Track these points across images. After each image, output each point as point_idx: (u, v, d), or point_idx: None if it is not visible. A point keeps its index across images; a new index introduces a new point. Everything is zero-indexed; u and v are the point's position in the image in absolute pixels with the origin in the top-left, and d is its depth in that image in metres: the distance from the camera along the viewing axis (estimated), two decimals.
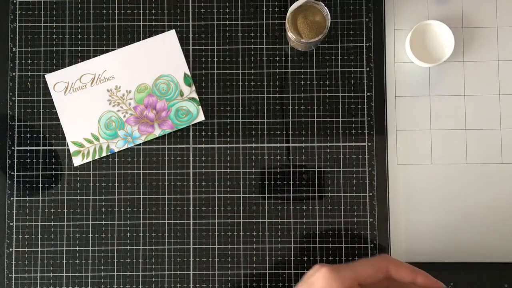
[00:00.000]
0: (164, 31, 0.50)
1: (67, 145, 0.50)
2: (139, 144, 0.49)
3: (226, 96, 0.50)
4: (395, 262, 0.37)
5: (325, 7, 0.45)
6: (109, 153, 0.49)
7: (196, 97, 0.49)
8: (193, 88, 0.49)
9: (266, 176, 0.49)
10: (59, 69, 0.50)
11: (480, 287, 0.48)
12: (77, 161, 0.49)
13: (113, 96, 0.48)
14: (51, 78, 0.49)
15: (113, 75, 0.49)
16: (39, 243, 0.49)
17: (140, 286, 0.49)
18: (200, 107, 0.49)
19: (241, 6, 0.50)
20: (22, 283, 0.49)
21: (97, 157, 0.48)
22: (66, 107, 0.49)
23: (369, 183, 0.49)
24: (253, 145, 0.50)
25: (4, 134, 0.50)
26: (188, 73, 0.49)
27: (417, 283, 0.36)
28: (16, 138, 0.50)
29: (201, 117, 0.49)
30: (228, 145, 0.50)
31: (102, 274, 0.49)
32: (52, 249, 0.49)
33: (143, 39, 0.50)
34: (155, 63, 0.49)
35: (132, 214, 0.49)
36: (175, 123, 0.49)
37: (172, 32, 0.49)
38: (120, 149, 0.49)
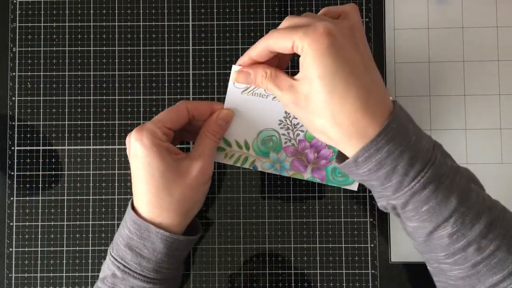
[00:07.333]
0: (164, 31, 0.50)
1: (67, 145, 0.50)
2: None
3: None
4: (191, 102, 0.44)
5: None
6: (251, 168, 0.46)
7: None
8: None
9: (266, 176, 0.49)
10: (59, 69, 0.50)
11: None
12: (218, 157, 0.46)
13: (287, 120, 0.45)
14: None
15: None
16: (39, 243, 0.49)
17: None
18: None
19: (241, 6, 0.50)
20: (22, 283, 0.49)
21: (238, 164, 0.46)
22: (236, 104, 0.45)
23: None
24: None
25: (4, 134, 0.50)
26: None
27: (216, 109, 0.43)
28: (16, 138, 0.50)
29: (354, 187, 0.46)
30: None
31: None
32: (52, 249, 0.49)
33: (142, 39, 0.50)
34: None
35: None
36: (327, 177, 0.46)
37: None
38: (264, 171, 0.46)
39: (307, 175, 0.46)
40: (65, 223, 0.49)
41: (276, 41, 0.37)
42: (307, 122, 0.38)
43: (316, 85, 0.35)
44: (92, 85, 0.50)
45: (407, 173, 0.35)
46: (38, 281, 0.49)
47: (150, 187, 0.40)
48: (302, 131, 0.45)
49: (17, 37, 0.50)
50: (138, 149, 0.40)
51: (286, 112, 0.44)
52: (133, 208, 0.42)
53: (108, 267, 0.41)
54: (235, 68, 0.42)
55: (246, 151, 0.45)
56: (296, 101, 0.37)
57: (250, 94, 0.43)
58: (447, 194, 0.35)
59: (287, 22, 0.38)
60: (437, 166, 0.35)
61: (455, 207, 0.35)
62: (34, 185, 0.50)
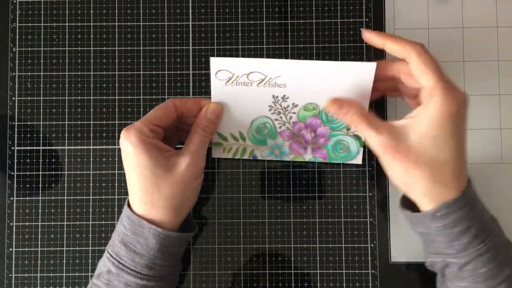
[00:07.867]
0: (164, 31, 0.50)
1: (67, 145, 0.50)
2: None
3: None
4: (179, 99, 0.44)
5: None
6: (251, 158, 0.46)
7: (362, 136, 0.46)
8: None
9: (266, 176, 0.49)
10: (59, 69, 0.50)
11: None
12: (216, 153, 0.46)
13: (276, 105, 0.44)
14: (216, 63, 0.43)
15: (285, 84, 0.44)
16: (39, 243, 0.49)
17: None
18: (362, 148, 0.46)
19: (241, 6, 0.50)
20: (22, 283, 0.49)
21: (238, 156, 0.46)
22: (223, 97, 0.44)
23: (369, 183, 0.49)
24: None
25: (4, 134, 0.50)
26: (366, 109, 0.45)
27: (203, 105, 0.44)
28: (16, 138, 0.50)
29: (358, 160, 0.46)
30: None
31: None
32: (52, 249, 0.49)
33: (142, 39, 0.50)
34: (337, 88, 0.44)
35: None
36: (329, 155, 0.46)
37: (373, 65, 0.42)
38: (264, 159, 0.46)
39: (308, 156, 0.45)
40: (65, 223, 0.49)
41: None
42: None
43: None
44: (92, 85, 0.50)
45: (478, 235, 0.38)
46: (38, 281, 0.49)
47: (140, 184, 0.40)
48: (294, 113, 0.45)
49: (17, 37, 0.50)
50: (127, 147, 0.40)
51: (274, 97, 0.44)
52: (128, 205, 0.42)
53: (104, 264, 0.42)
54: (213, 59, 0.43)
55: (242, 142, 0.45)
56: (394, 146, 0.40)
57: (234, 84, 0.43)
58: (503, 262, 0.38)
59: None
60: (497, 236, 0.39)
61: (509, 273, 0.38)
62: (34, 185, 0.50)
